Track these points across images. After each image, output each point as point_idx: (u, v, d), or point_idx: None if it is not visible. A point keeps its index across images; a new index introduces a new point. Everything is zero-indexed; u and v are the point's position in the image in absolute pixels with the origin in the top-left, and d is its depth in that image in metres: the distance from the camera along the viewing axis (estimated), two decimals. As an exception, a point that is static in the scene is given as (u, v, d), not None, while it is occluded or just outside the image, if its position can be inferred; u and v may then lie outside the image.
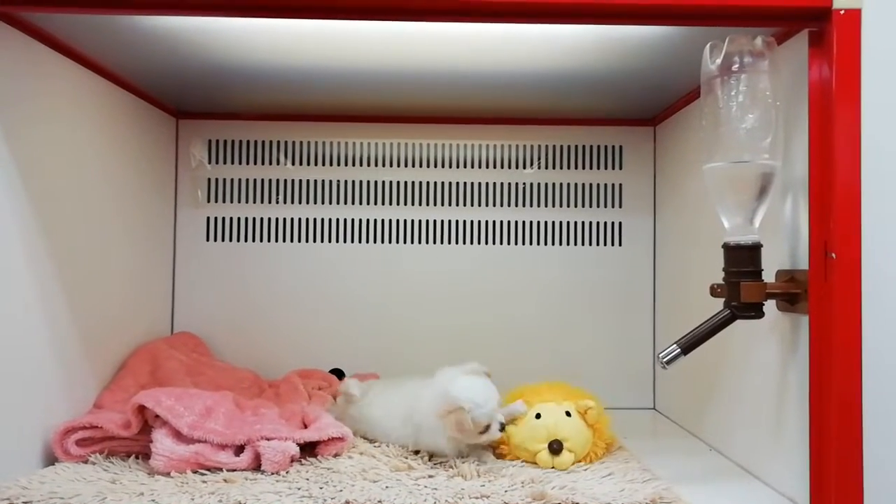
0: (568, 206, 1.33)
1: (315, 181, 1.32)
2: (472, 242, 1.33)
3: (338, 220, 1.32)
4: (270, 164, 1.32)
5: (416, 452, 0.91)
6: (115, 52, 0.97)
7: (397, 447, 0.93)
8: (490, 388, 0.88)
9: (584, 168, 1.33)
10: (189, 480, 0.79)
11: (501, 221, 1.33)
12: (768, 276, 0.79)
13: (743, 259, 0.78)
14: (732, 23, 0.76)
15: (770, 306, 0.79)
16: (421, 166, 1.33)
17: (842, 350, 0.69)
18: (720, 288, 0.81)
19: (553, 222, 1.33)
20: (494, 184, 1.33)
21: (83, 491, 0.74)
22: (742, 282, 0.77)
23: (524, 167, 1.33)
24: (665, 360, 0.79)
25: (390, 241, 1.33)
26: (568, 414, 0.89)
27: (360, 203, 1.33)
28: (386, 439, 0.95)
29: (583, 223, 1.33)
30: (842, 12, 0.71)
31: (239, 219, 1.32)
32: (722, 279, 0.80)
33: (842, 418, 0.69)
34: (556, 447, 0.86)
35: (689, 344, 0.79)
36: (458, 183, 1.33)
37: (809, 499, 0.73)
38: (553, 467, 0.86)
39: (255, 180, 1.32)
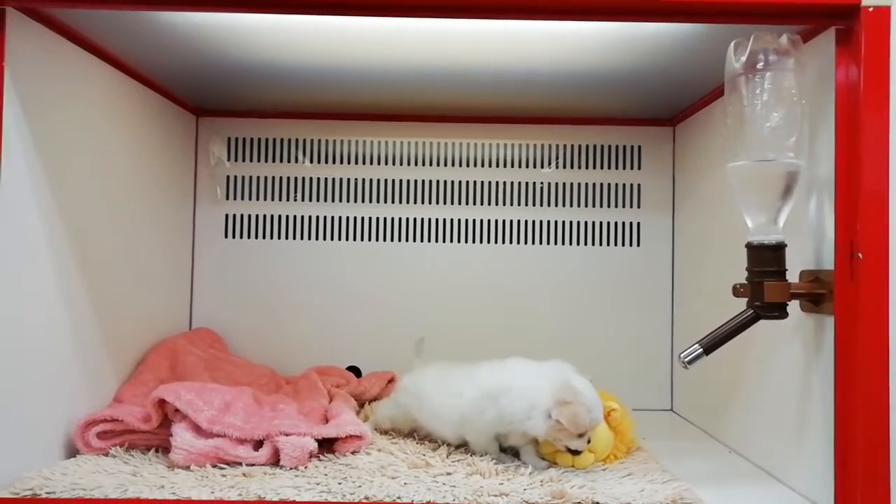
0: (586, 206, 1.32)
1: (333, 179, 1.33)
2: (489, 242, 1.33)
3: (356, 218, 1.33)
4: (289, 161, 1.33)
5: (458, 447, 0.91)
6: (137, 48, 0.98)
7: (416, 443, 0.93)
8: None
9: (602, 168, 1.33)
10: (209, 474, 0.79)
11: (519, 221, 1.33)
12: (792, 277, 0.78)
13: (767, 259, 0.77)
14: (757, 20, 0.75)
15: (794, 307, 0.78)
16: (439, 165, 1.33)
17: (868, 351, 0.69)
18: (743, 288, 0.80)
19: (571, 222, 1.32)
20: (512, 183, 1.33)
21: (104, 483, 0.75)
22: (766, 282, 0.76)
23: (542, 167, 1.33)
24: (686, 359, 0.78)
25: (408, 240, 1.33)
26: None
27: (379, 201, 1.33)
28: (432, 413, 0.93)
29: (601, 223, 1.32)
30: (871, 10, 0.70)
31: (257, 216, 1.32)
32: (745, 279, 0.79)
33: (867, 421, 0.68)
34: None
35: (712, 344, 0.79)
36: (476, 182, 1.33)
37: (834, 502, 0.72)
38: (573, 466, 0.86)
39: (273, 178, 1.33)
